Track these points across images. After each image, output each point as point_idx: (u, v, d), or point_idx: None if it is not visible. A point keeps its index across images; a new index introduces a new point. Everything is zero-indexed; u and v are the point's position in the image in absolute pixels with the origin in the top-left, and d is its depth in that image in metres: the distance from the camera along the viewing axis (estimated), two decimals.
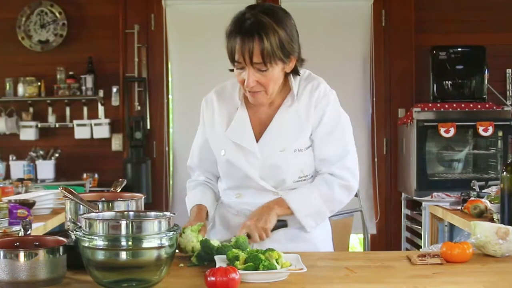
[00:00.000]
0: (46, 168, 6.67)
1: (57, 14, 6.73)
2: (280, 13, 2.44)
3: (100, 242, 1.82)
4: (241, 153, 2.57)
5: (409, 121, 6.10)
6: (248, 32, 2.36)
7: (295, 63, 2.53)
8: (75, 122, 6.74)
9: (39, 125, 6.80)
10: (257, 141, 2.57)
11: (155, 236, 1.85)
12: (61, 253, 1.95)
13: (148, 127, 6.75)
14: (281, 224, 2.53)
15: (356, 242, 6.97)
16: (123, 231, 1.83)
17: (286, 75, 2.58)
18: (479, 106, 6.08)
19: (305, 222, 2.55)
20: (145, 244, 1.83)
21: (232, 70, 2.52)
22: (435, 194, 5.14)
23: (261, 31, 2.35)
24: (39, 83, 6.73)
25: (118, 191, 2.49)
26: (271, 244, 2.29)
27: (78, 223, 2.03)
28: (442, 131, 5.92)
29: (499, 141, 6.10)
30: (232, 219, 2.69)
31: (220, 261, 2.09)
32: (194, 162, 2.81)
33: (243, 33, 2.37)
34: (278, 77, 2.48)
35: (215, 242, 2.28)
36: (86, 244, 1.85)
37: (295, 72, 2.57)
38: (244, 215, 2.62)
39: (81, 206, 2.16)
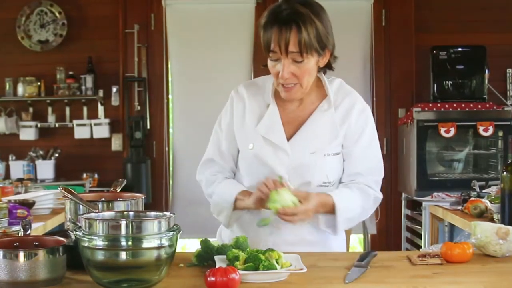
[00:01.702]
0: (45, 168, 6.67)
1: (57, 14, 6.73)
2: (316, 6, 2.44)
3: (100, 242, 1.82)
4: (271, 149, 2.54)
5: (409, 121, 6.10)
6: (285, 21, 2.35)
7: (329, 59, 2.52)
8: (75, 122, 6.74)
9: (39, 125, 6.79)
10: (287, 140, 2.55)
11: (155, 236, 1.84)
12: (60, 253, 1.94)
13: (148, 127, 6.75)
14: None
15: (356, 242, 6.97)
16: (123, 231, 1.83)
17: (318, 81, 2.59)
18: (479, 106, 6.07)
19: (340, 224, 2.53)
20: (145, 244, 1.83)
21: (265, 66, 2.51)
22: (435, 194, 5.14)
23: (299, 20, 2.34)
24: (38, 83, 6.73)
25: (118, 191, 2.49)
26: (287, 247, 2.29)
27: (78, 223, 2.03)
28: (442, 131, 5.91)
29: (500, 141, 6.10)
30: (248, 220, 2.66)
31: (220, 261, 2.09)
32: (219, 154, 2.69)
33: (280, 23, 2.36)
34: (313, 70, 2.47)
35: (215, 242, 2.27)
36: (86, 244, 1.84)
37: (328, 67, 2.57)
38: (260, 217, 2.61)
39: (81, 206, 2.16)
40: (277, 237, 2.56)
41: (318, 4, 2.46)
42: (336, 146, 2.56)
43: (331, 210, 2.50)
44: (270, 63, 2.46)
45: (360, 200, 2.55)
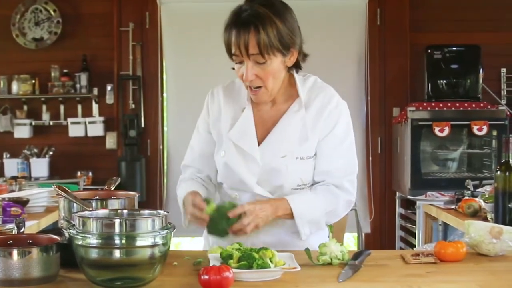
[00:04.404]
0: (40, 166, 6.66)
1: (52, 12, 6.71)
2: (279, 6, 2.39)
3: (93, 241, 1.82)
4: (241, 157, 2.51)
5: (403, 120, 6.10)
6: (244, 23, 2.32)
7: (297, 57, 2.48)
8: (69, 120, 6.72)
9: (33, 123, 6.77)
10: (258, 144, 2.52)
11: (149, 235, 1.84)
12: (54, 251, 1.94)
13: (143, 125, 6.73)
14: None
15: (350, 241, 6.98)
16: (117, 230, 1.83)
17: (291, 79, 2.56)
18: (473, 105, 6.08)
19: (302, 229, 2.46)
20: (139, 242, 1.83)
21: (234, 68, 2.50)
22: (429, 193, 5.14)
23: (258, 21, 2.30)
24: (33, 81, 6.71)
25: (112, 189, 2.49)
26: None
27: (72, 221, 2.03)
28: (436, 130, 5.92)
29: (494, 141, 6.11)
30: None
31: (213, 259, 2.09)
32: (192, 159, 2.70)
33: (239, 25, 2.33)
34: (278, 71, 2.43)
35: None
36: (80, 242, 1.84)
37: (297, 66, 2.54)
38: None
39: (74, 204, 2.16)
40: (255, 239, 2.51)
41: (282, 3, 2.43)
42: (309, 148, 2.51)
43: (290, 214, 2.44)
44: (235, 66, 2.44)
45: (324, 203, 2.49)
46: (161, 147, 6.76)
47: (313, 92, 2.56)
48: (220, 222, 2.31)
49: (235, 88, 2.64)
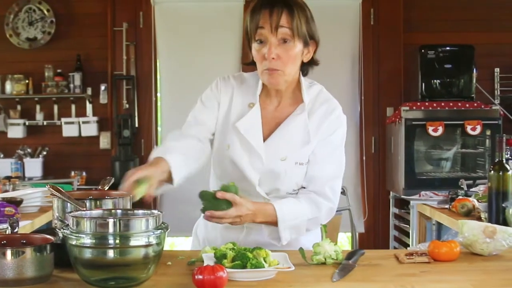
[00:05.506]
0: (33, 166, 6.65)
1: (45, 12, 6.71)
2: (305, 2, 2.49)
3: (87, 240, 1.82)
4: (246, 153, 2.51)
5: (397, 120, 6.11)
6: (278, 3, 2.39)
7: (312, 57, 2.53)
8: (63, 120, 6.72)
9: (27, 122, 6.77)
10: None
11: (143, 234, 1.84)
12: (48, 251, 1.94)
13: (136, 125, 6.74)
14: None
15: (344, 240, 6.98)
16: (111, 229, 1.82)
17: (298, 84, 2.57)
18: (467, 105, 6.10)
19: (283, 234, 2.45)
20: (133, 242, 1.83)
21: (246, 64, 2.53)
22: (423, 192, 5.15)
23: (292, 4, 2.40)
24: (27, 81, 6.70)
25: (106, 189, 2.48)
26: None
27: (66, 221, 2.02)
28: (430, 130, 5.94)
29: (487, 140, 6.13)
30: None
31: (207, 259, 2.09)
32: (198, 130, 2.59)
33: (272, 5, 2.39)
34: (297, 59, 2.46)
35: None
36: (74, 242, 1.84)
37: (309, 64, 2.57)
38: None
39: (68, 204, 2.16)
40: (247, 238, 2.54)
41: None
42: (308, 153, 2.52)
43: (273, 220, 2.44)
44: (256, 47, 2.45)
45: (307, 210, 2.49)
46: (155, 146, 6.75)
47: (317, 101, 2.58)
48: (216, 202, 2.29)
49: (244, 81, 2.64)
